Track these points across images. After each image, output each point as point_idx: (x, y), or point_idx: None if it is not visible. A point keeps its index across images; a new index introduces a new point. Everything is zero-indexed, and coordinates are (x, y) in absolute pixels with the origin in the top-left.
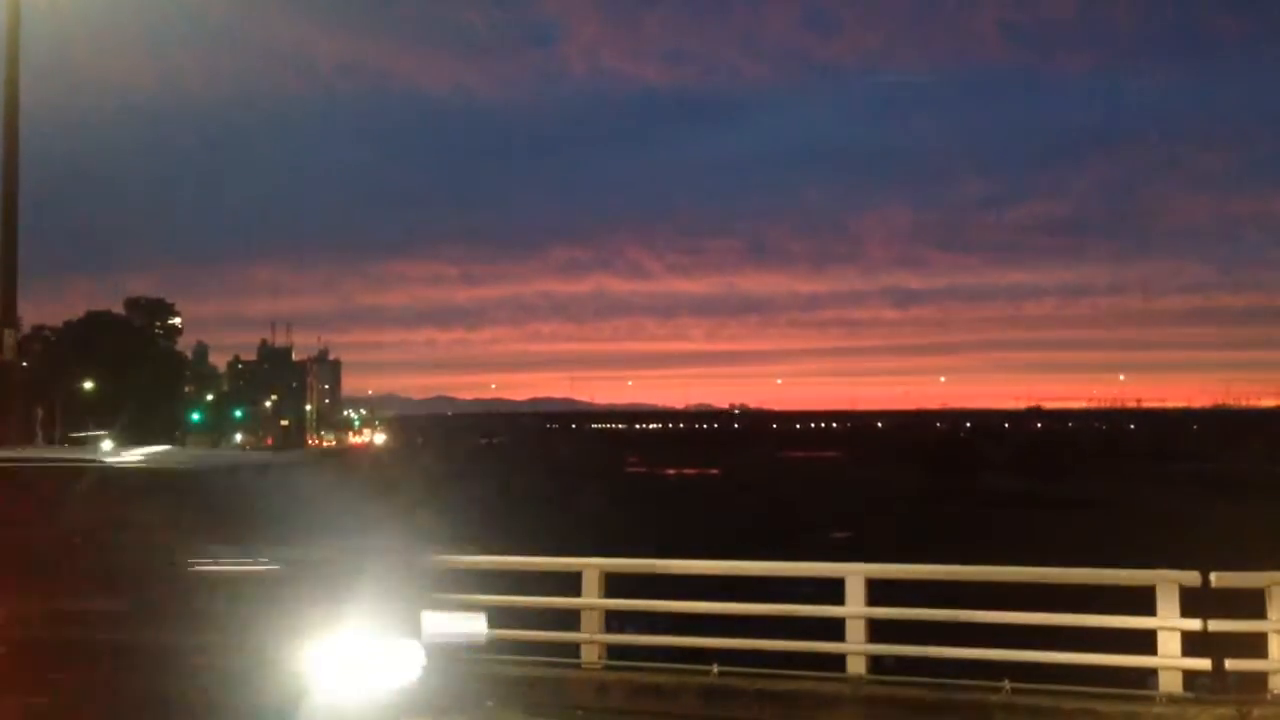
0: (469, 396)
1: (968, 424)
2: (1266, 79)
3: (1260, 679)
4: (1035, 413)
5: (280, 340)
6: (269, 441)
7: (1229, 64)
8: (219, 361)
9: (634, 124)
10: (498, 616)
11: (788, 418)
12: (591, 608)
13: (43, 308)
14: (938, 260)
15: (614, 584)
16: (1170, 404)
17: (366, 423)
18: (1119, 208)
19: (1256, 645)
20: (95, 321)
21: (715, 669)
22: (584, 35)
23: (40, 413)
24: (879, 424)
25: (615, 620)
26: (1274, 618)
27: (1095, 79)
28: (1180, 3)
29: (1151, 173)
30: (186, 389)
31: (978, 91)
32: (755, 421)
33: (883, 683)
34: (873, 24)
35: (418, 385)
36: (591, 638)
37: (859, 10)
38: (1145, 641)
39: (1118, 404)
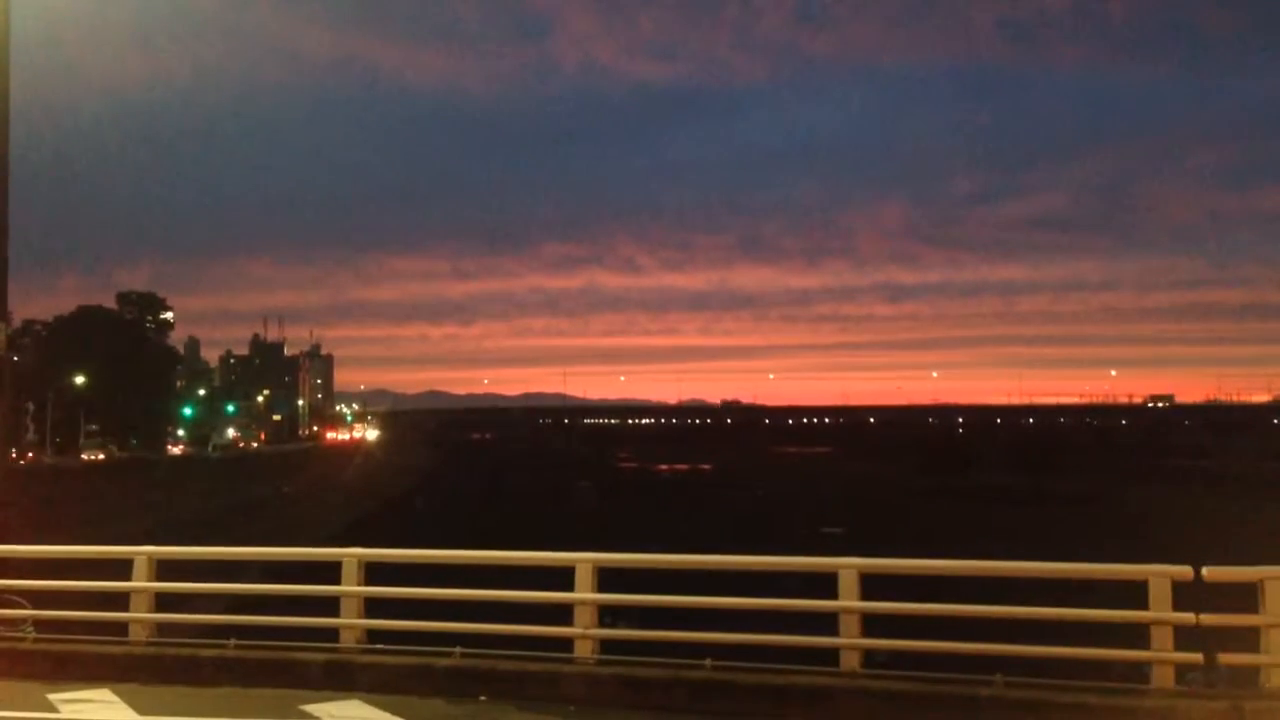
0: (461, 391)
1: (959, 419)
2: (1258, 75)
3: (1253, 673)
4: (1027, 408)
5: (272, 335)
6: (262, 436)
7: (1221, 60)
8: (211, 356)
9: (626, 119)
10: (491, 611)
11: (780, 413)
12: (584, 602)
13: (33, 302)
14: (930, 256)
15: (606, 578)
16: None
17: (359, 418)
18: (1111, 204)
19: (1249, 639)
20: (86, 316)
21: (708, 663)
22: (576, 30)
23: (31, 407)
24: (871, 419)
25: (608, 615)
26: (1266, 612)
27: (1088, 75)
28: (1174, 0)
29: (1144, 169)
30: (179, 383)
31: (971, 87)
32: (747, 417)
33: (876, 677)
34: (866, 19)
35: (410, 380)
36: (584, 632)
37: (852, 6)
38: (1138, 635)
39: (1109, 399)
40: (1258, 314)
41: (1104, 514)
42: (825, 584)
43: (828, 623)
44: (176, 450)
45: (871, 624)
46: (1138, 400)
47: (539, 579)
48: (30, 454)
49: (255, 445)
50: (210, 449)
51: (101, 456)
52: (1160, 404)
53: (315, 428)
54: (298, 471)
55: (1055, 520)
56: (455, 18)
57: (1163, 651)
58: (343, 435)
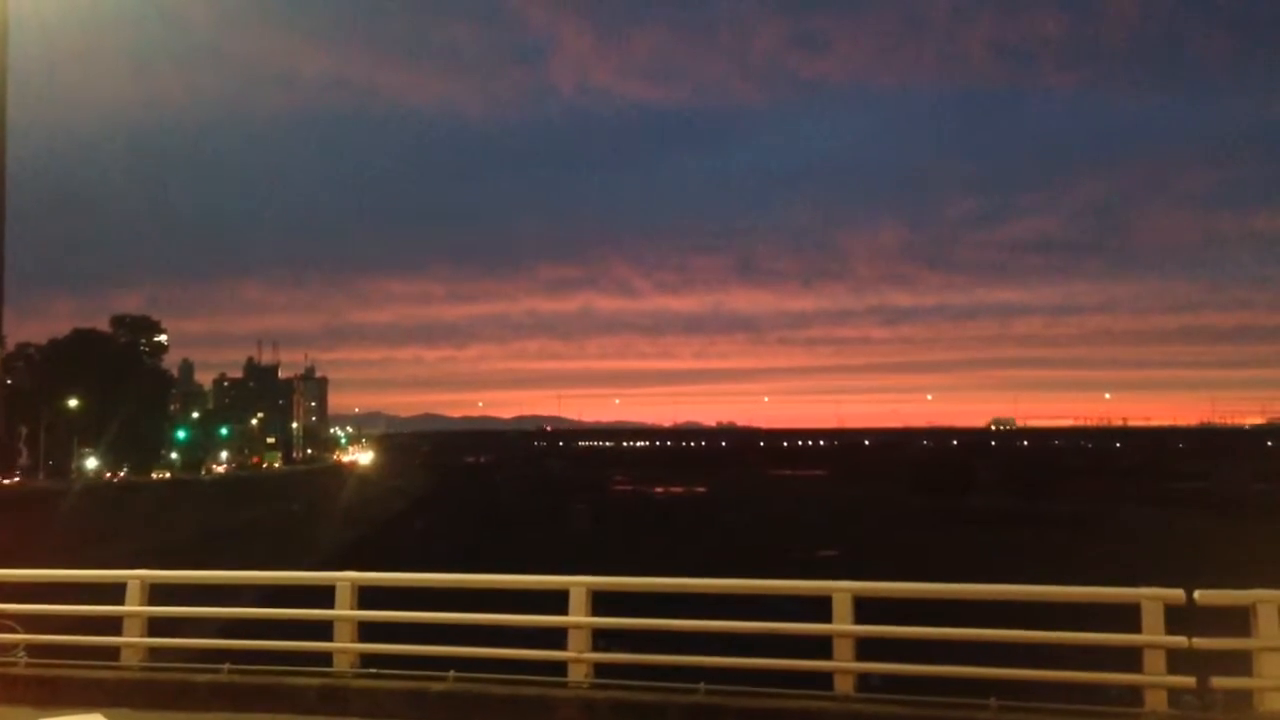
0: (456, 414)
1: (954, 442)
2: (1252, 97)
3: (1245, 696)
4: (1022, 431)
5: (266, 358)
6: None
7: (1216, 82)
8: (205, 379)
9: (622, 142)
10: (486, 635)
11: (775, 436)
12: (578, 626)
13: (27, 326)
14: (926, 278)
15: (601, 602)
16: (1156, 422)
17: (353, 441)
18: (1106, 226)
19: (1242, 663)
20: (80, 339)
21: (702, 687)
22: (573, 53)
23: (24, 430)
24: (866, 442)
25: (602, 638)
26: (1259, 635)
27: (1083, 97)
28: (1167, 22)
29: (1139, 191)
30: (172, 407)
31: (965, 110)
32: (743, 439)
33: (870, 700)
34: (861, 42)
35: (405, 403)
36: (578, 656)
37: (847, 29)
38: (1131, 659)
39: (1104, 422)
40: (1252, 337)
41: (1097, 536)
42: (819, 607)
43: (822, 646)
44: (220, 469)
45: (865, 647)
46: (981, 424)
47: (533, 603)
48: (113, 474)
49: (277, 465)
50: (212, 469)
51: (168, 475)
52: (1002, 427)
53: (309, 450)
54: (308, 491)
55: (1050, 542)
56: (452, 40)
57: (1156, 675)
58: (349, 457)
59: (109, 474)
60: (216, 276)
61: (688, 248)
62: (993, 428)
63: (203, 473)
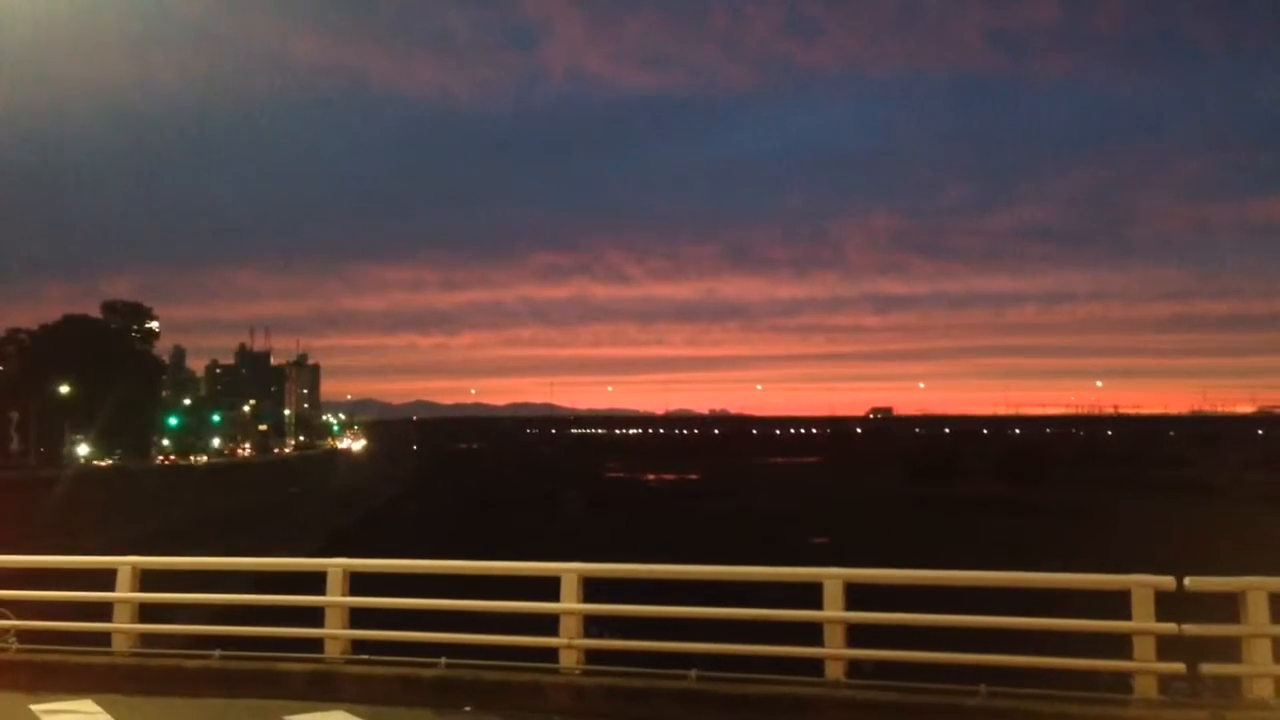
0: (449, 401)
1: (946, 429)
2: (1245, 86)
3: (1235, 683)
4: (1014, 419)
5: (259, 345)
6: (289, 445)
7: (1208, 71)
8: (197, 366)
9: (615, 128)
10: (477, 622)
11: (768, 423)
12: (570, 612)
13: (18, 311)
14: (919, 266)
15: (593, 588)
16: (1147, 410)
17: (346, 428)
18: (1100, 214)
19: (1231, 649)
20: (72, 325)
21: (694, 673)
22: (565, 39)
23: (15, 416)
24: (858, 430)
25: (594, 625)
26: (1248, 622)
27: (1076, 85)
28: (1160, 10)
29: (1132, 179)
30: (164, 393)
31: (959, 97)
32: (735, 427)
33: (860, 687)
34: (855, 29)
35: (397, 390)
36: (570, 642)
37: (841, 15)
38: (1121, 645)
39: (1095, 410)
40: (1243, 325)
41: (1088, 524)
42: (810, 594)
43: (813, 633)
44: (244, 451)
45: (856, 634)
46: (860, 413)
47: (525, 589)
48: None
49: (288, 450)
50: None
51: (204, 459)
52: (878, 415)
53: (301, 437)
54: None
55: (1041, 530)
56: (444, 26)
57: (1146, 661)
58: (342, 444)
59: (161, 458)
60: (208, 263)
61: (680, 235)
62: (871, 415)
63: (194, 460)
